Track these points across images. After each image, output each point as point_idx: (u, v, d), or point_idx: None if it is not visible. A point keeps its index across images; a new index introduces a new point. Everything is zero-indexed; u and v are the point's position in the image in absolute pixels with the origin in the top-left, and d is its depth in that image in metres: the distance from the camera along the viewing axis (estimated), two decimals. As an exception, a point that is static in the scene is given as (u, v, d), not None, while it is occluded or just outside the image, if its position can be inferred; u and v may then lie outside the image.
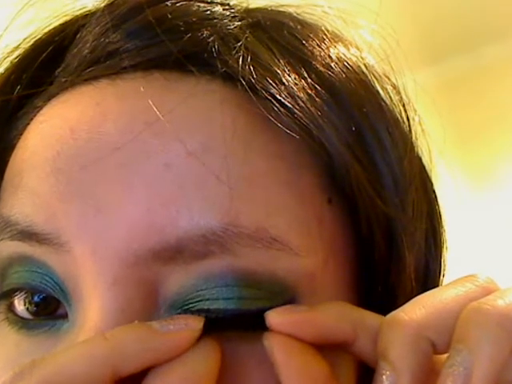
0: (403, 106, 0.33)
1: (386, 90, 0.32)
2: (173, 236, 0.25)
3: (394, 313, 0.25)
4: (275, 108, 0.27)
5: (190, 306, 0.26)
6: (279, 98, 0.27)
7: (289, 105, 0.27)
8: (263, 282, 0.26)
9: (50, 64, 0.32)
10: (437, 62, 2.02)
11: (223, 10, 0.31)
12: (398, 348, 0.24)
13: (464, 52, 2.04)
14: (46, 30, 0.33)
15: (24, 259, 0.28)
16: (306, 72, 0.29)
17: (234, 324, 0.26)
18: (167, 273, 0.26)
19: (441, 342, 0.24)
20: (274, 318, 0.25)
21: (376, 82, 0.32)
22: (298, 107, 0.27)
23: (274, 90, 0.27)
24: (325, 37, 0.31)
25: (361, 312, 0.26)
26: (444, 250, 0.34)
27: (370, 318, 0.26)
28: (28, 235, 0.27)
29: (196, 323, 0.25)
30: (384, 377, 0.24)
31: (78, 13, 0.32)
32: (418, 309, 0.25)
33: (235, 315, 0.26)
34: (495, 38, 1.99)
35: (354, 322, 0.26)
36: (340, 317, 0.26)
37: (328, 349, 0.26)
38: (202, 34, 0.29)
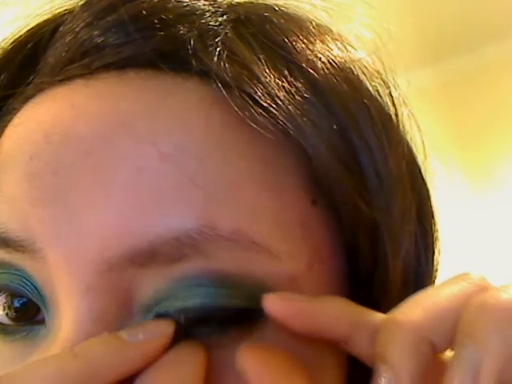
0: (392, 101, 0.32)
1: (375, 86, 0.31)
2: (145, 240, 0.25)
3: (391, 314, 0.25)
4: (250, 107, 0.26)
5: (167, 306, 0.25)
6: (255, 96, 0.26)
7: (264, 104, 0.26)
8: (241, 284, 0.25)
9: (27, 64, 0.31)
10: (437, 62, 2.02)
11: (204, 5, 0.30)
12: (397, 351, 0.23)
13: (464, 52, 2.03)
14: (25, 30, 0.32)
15: (2, 264, 0.27)
16: (287, 68, 0.28)
17: (213, 321, 0.25)
18: (141, 278, 0.25)
19: (440, 341, 0.24)
20: (272, 302, 0.25)
21: (364, 77, 0.31)
22: (274, 106, 0.26)
23: (249, 89, 0.26)
24: (310, 31, 0.30)
25: (360, 309, 0.26)
26: (436, 252, 0.33)
27: (369, 316, 0.25)
28: (4, 242, 0.27)
29: (166, 328, 0.24)
30: (384, 380, 0.23)
31: (56, 11, 0.32)
32: (415, 309, 0.24)
33: (213, 310, 0.25)
34: (495, 38, 1.99)
35: (352, 319, 0.25)
36: (340, 313, 0.25)
37: (316, 347, 0.25)
38: (179, 31, 0.28)
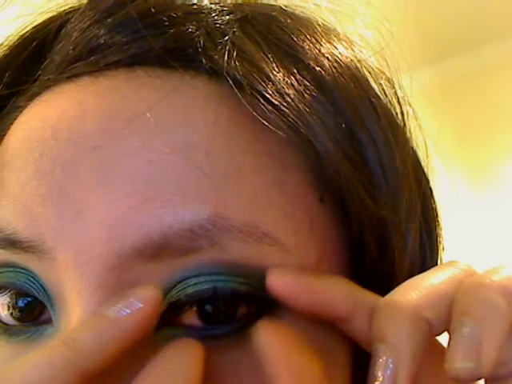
0: (397, 100, 0.32)
1: (380, 84, 0.31)
2: (157, 232, 0.25)
3: (388, 296, 0.25)
4: (261, 105, 0.26)
5: (178, 294, 0.25)
6: (265, 94, 0.26)
7: (275, 101, 0.26)
8: (253, 274, 0.25)
9: (33, 61, 0.31)
10: (437, 62, 2.02)
11: (211, 3, 0.30)
12: (396, 330, 0.23)
13: (464, 52, 2.03)
14: (30, 27, 0.32)
15: (8, 264, 0.27)
16: (295, 67, 0.28)
17: (224, 304, 0.25)
18: (152, 271, 0.25)
19: (437, 321, 0.24)
20: (276, 278, 0.25)
21: (370, 76, 0.31)
22: (284, 104, 0.26)
23: (260, 87, 0.26)
24: (316, 31, 0.30)
25: (362, 290, 0.26)
26: (440, 249, 0.33)
27: (370, 297, 0.26)
28: (11, 243, 0.27)
29: (151, 296, 0.24)
30: (384, 359, 0.23)
31: (62, 9, 0.32)
32: (411, 291, 0.25)
33: (225, 294, 0.25)
34: (495, 38, 1.99)
35: (355, 298, 0.25)
36: (343, 291, 0.25)
37: (324, 332, 0.25)
38: (187, 29, 0.28)
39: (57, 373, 0.22)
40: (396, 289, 0.25)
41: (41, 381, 0.22)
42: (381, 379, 0.23)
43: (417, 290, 0.25)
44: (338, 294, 0.25)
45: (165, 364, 0.23)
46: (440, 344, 0.26)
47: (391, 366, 0.23)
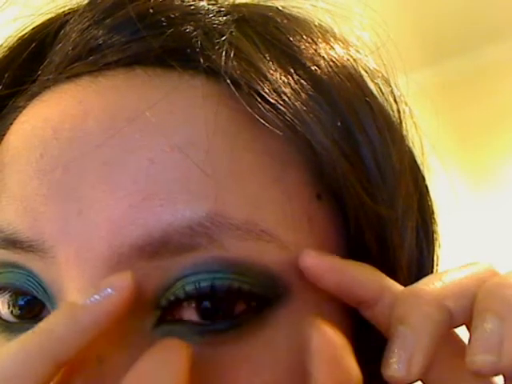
0: (394, 98, 0.32)
1: (377, 83, 0.32)
2: (157, 229, 0.25)
3: (412, 285, 0.25)
4: (258, 104, 0.26)
5: (176, 291, 0.25)
6: (262, 93, 0.26)
7: (272, 100, 0.26)
8: (252, 271, 0.25)
9: (32, 62, 0.31)
10: (437, 62, 2.02)
11: (208, 4, 0.30)
12: (417, 313, 0.24)
13: (464, 52, 2.04)
14: (29, 28, 0.32)
15: (8, 264, 0.27)
16: (292, 66, 0.28)
17: (223, 300, 0.25)
18: (152, 269, 0.25)
19: (458, 313, 0.24)
20: (311, 257, 0.25)
21: (366, 75, 0.31)
22: (282, 103, 0.27)
23: (257, 86, 0.27)
24: (312, 31, 0.31)
25: (387, 278, 0.27)
26: (436, 246, 0.34)
27: (395, 285, 0.26)
28: (12, 243, 0.27)
29: (123, 281, 0.24)
30: (401, 339, 0.24)
31: (61, 10, 0.32)
32: (436, 282, 0.25)
33: (224, 291, 0.25)
34: (495, 38, 1.99)
35: (382, 284, 0.26)
36: (372, 276, 0.26)
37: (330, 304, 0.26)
38: (185, 29, 0.29)
39: (32, 362, 0.22)
40: (422, 280, 0.26)
41: (16, 370, 0.22)
42: (395, 359, 0.23)
43: (440, 281, 0.25)
44: (368, 277, 0.26)
45: (151, 364, 0.23)
46: (461, 340, 0.26)
47: (408, 346, 0.23)
